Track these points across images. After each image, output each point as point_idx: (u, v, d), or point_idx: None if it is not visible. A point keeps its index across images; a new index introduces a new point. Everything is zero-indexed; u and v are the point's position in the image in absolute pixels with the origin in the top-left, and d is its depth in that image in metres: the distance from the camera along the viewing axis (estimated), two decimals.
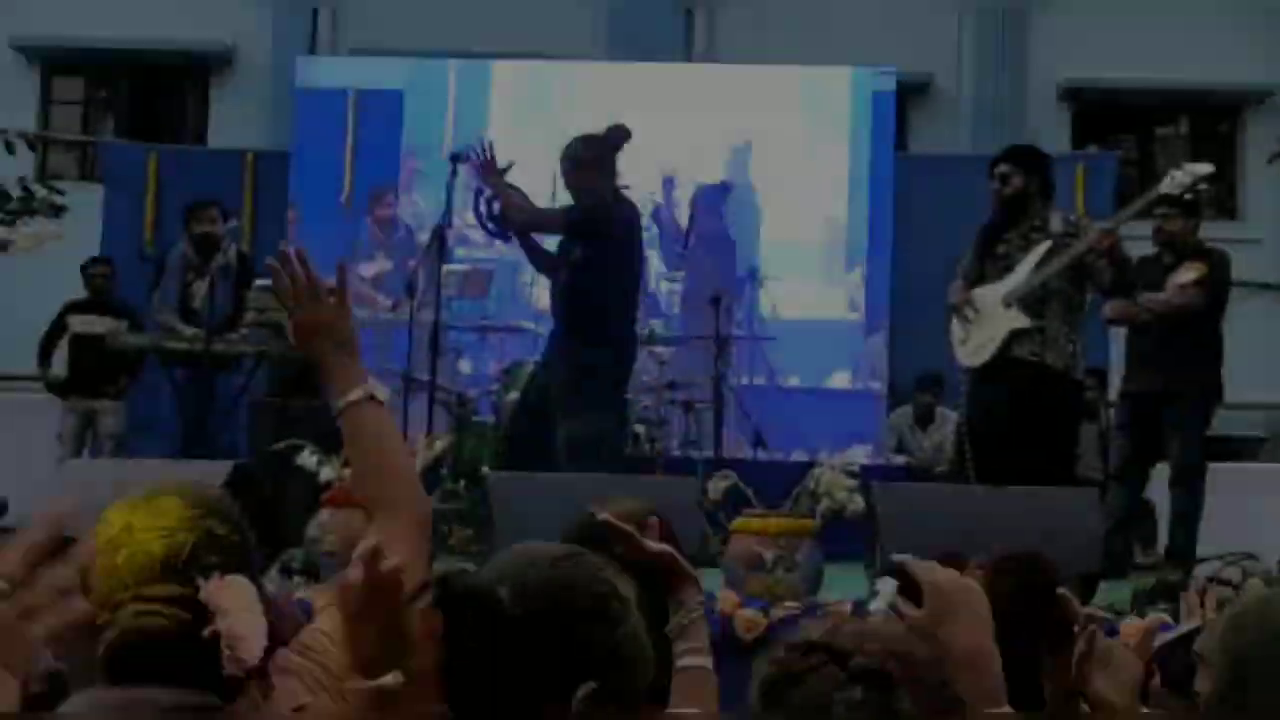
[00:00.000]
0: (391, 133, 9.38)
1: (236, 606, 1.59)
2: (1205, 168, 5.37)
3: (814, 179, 9.22)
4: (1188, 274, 5.96)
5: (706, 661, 2.01)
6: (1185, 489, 5.88)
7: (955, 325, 5.66)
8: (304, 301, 2.08)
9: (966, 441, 5.46)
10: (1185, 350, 5.93)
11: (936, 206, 8.24)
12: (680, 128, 9.21)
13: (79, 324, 8.20)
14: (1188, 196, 5.56)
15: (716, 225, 9.09)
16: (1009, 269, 5.55)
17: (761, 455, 7.83)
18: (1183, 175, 5.30)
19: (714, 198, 9.15)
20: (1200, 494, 5.88)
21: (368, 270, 9.20)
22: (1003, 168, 5.60)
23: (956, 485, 4.81)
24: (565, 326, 5.68)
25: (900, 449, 8.44)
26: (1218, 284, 6.02)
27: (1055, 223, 5.59)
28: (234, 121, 11.97)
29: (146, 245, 9.02)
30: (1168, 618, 3.27)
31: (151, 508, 1.68)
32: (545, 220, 5.87)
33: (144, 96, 12.54)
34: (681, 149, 9.15)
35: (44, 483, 7.77)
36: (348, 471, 4.71)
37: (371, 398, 2.07)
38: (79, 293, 8.37)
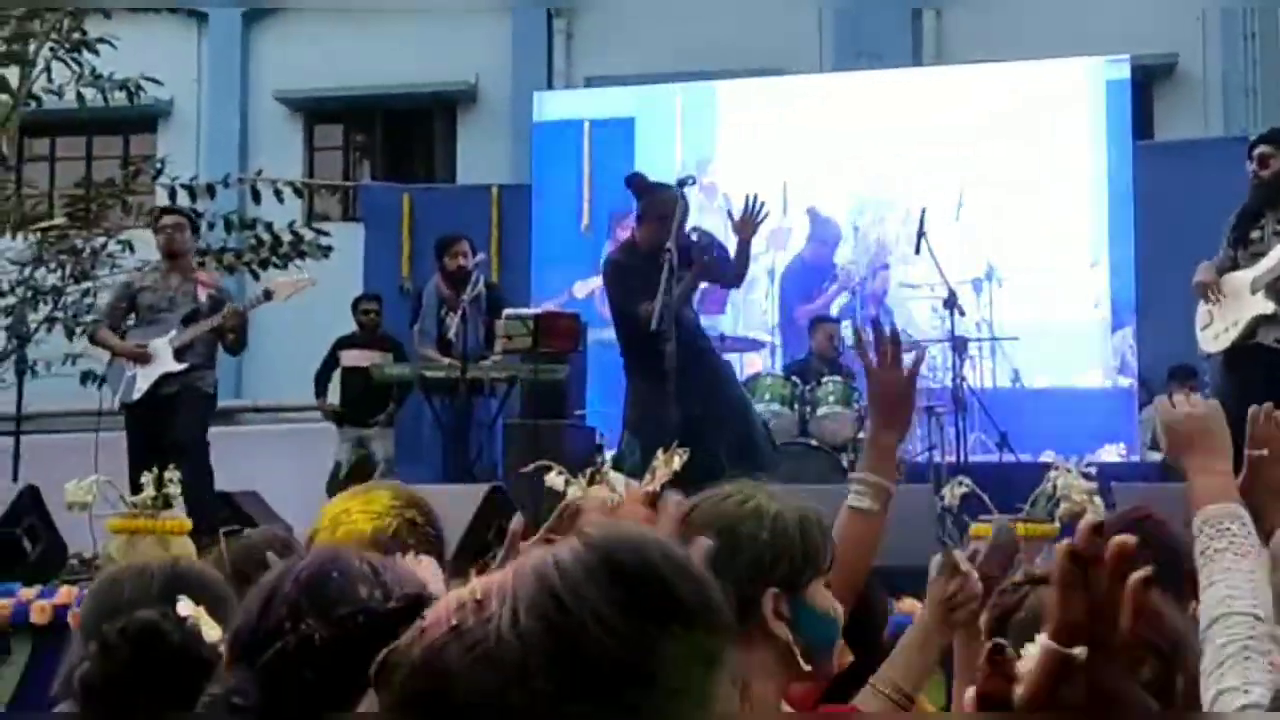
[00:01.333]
0: (626, 160, 9.67)
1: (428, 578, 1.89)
2: None
3: (1052, 175, 9.04)
4: None
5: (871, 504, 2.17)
6: None
7: (1200, 310, 5.55)
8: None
9: None
10: None
11: (1182, 194, 7.99)
12: (912, 133, 9.22)
13: (350, 358, 8.81)
14: None
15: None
16: (1260, 254, 5.40)
17: (1007, 458, 7.74)
18: None
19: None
20: None
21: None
22: (1262, 149, 5.46)
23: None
24: None
25: (1156, 445, 8.19)
26: None
27: None
28: (480, 157, 12.56)
29: (404, 280, 9.58)
30: None
31: (366, 497, 2.10)
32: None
33: (397, 138, 13.29)
34: (912, 154, 9.15)
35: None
36: (593, 490, 4.95)
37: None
38: (348, 327, 8.98)
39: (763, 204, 5.77)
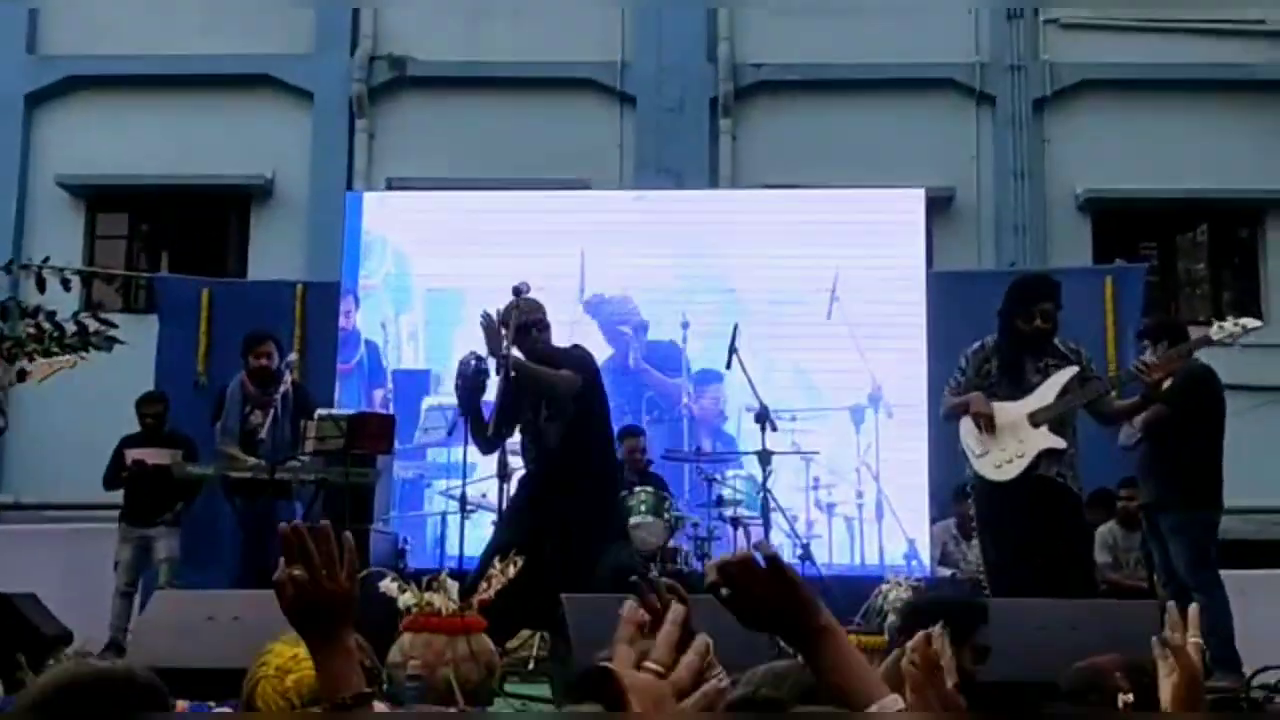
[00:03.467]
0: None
1: None
2: (1255, 322, 5.75)
3: (848, 298, 9.39)
4: None
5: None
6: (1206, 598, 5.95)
7: (970, 437, 5.77)
8: (323, 575, 1.89)
9: (984, 557, 5.62)
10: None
11: (962, 322, 8.38)
12: (701, 256, 9.47)
13: (137, 456, 8.39)
14: (1228, 342, 5.75)
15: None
16: (1028, 390, 5.72)
17: (809, 569, 7.91)
18: (1233, 326, 5.58)
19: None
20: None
21: None
22: (1048, 305, 5.77)
23: (1022, 599, 4.92)
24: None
25: (945, 561, 8.52)
26: None
27: (1062, 348, 5.80)
28: (274, 254, 12.30)
29: (199, 376, 9.22)
30: None
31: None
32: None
33: (187, 230, 12.88)
34: (707, 275, 9.42)
35: (104, 611, 7.94)
36: (426, 596, 4.85)
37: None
38: (129, 422, 8.56)
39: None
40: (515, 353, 5.94)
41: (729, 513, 7.71)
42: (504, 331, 5.89)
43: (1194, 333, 6.14)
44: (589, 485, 5.99)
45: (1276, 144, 12.31)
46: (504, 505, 6.08)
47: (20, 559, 8.57)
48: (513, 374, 5.81)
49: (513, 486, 6.19)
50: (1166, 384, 5.92)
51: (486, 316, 5.91)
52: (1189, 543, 5.91)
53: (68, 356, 6.57)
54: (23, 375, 6.28)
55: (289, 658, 2.09)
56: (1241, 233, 12.75)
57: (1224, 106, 12.32)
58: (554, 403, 5.95)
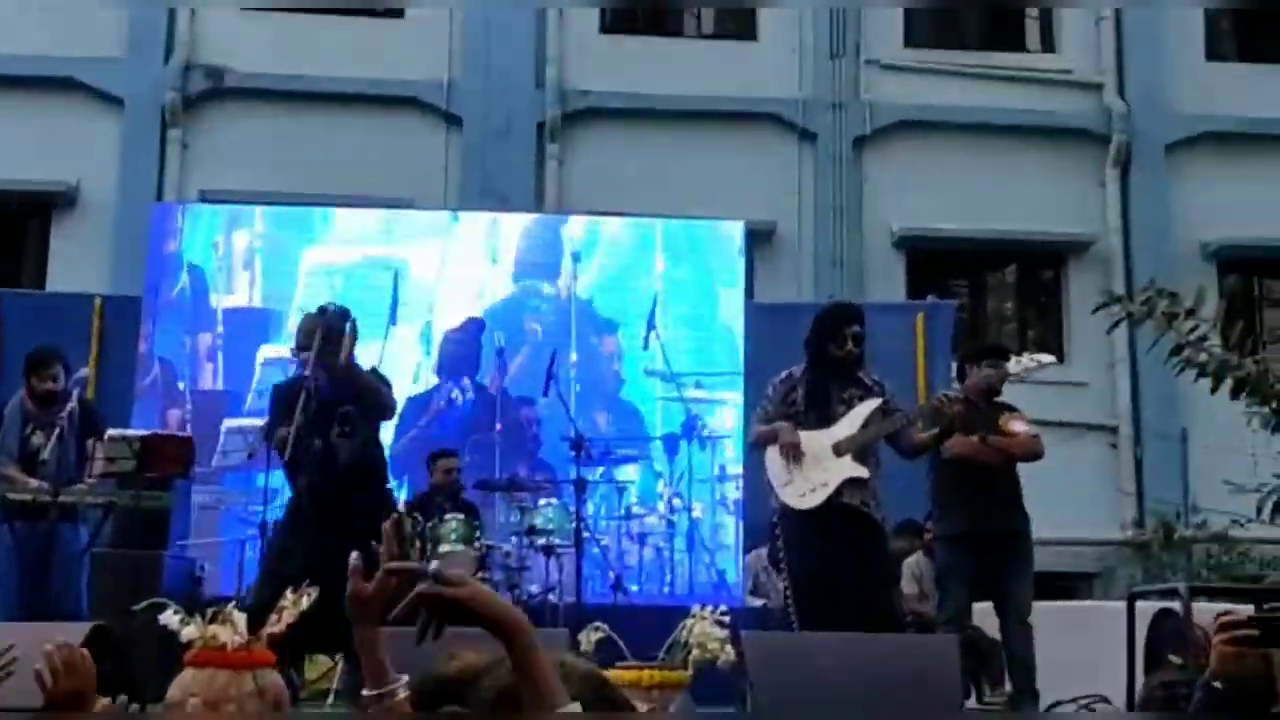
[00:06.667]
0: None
1: None
2: (1049, 358, 6.02)
3: (674, 325, 9.42)
4: (1021, 423, 6.27)
5: None
6: (1027, 628, 6.08)
7: (776, 466, 5.79)
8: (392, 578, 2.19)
9: (789, 587, 5.63)
10: (1017, 492, 6.24)
11: (782, 353, 8.44)
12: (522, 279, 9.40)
13: None
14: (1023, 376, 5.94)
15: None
16: (832, 419, 5.77)
17: (621, 600, 7.85)
18: (1029, 361, 5.89)
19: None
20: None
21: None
22: (856, 329, 5.83)
23: (825, 633, 4.91)
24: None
25: (756, 591, 8.54)
26: None
27: (866, 380, 5.88)
28: (76, 265, 11.74)
29: None
30: None
31: None
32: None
33: None
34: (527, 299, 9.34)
35: None
36: (211, 629, 4.59)
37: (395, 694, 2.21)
38: None
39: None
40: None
41: (541, 541, 7.58)
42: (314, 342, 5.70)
43: None
44: (375, 505, 5.89)
45: (1081, 189, 12.83)
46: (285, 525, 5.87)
47: None
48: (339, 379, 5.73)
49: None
50: (1023, 421, 6.15)
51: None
52: (1031, 574, 6.14)
53: None
54: None
55: None
56: (1046, 274, 13.22)
57: (1033, 151, 12.77)
58: (348, 420, 5.78)
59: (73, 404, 6.90)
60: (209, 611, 4.67)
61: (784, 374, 5.94)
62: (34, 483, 6.64)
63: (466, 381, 9.23)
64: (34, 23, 11.92)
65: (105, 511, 6.68)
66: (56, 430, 6.45)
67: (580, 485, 7.51)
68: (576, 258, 9.62)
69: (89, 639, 4.37)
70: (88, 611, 6.45)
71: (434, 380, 9.30)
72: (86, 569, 6.95)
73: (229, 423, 8.71)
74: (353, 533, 5.50)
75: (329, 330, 5.77)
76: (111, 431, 6.54)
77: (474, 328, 9.35)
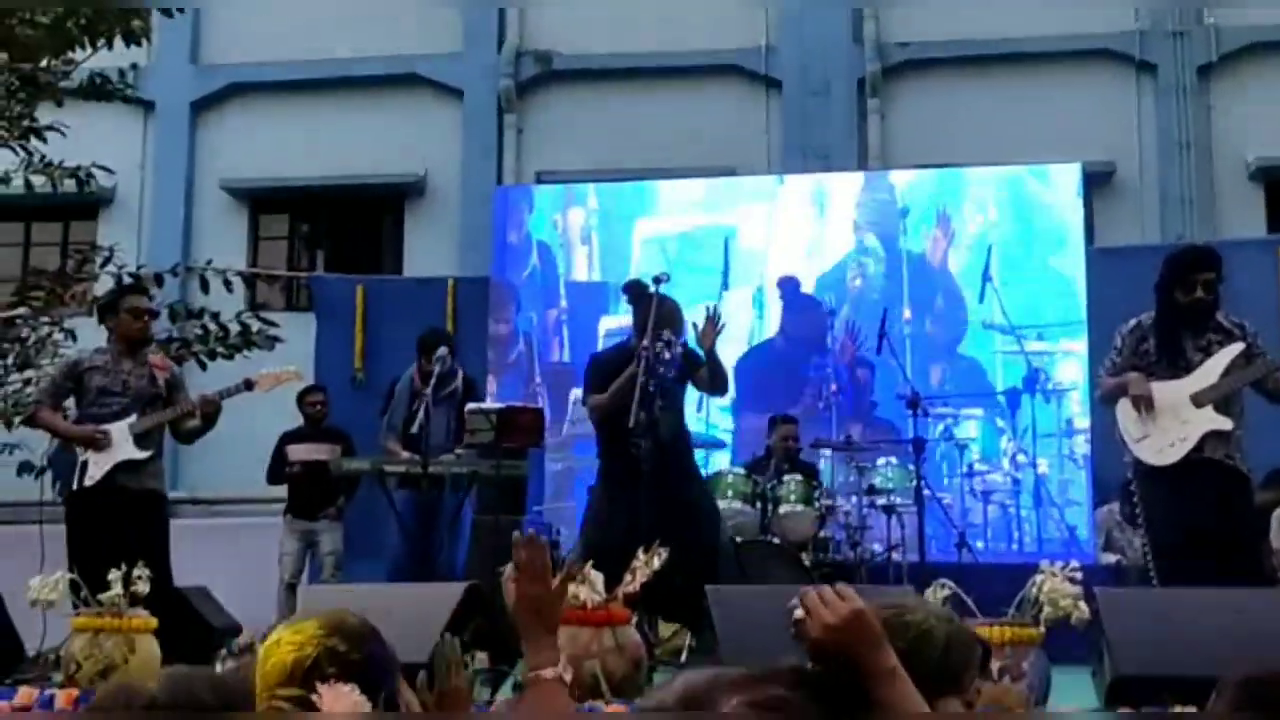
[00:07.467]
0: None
1: (336, 707, 1.99)
2: None
3: (1011, 276, 9.17)
4: None
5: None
6: None
7: (1129, 421, 5.52)
8: (531, 580, 2.34)
9: (1148, 545, 5.38)
10: None
11: (1127, 299, 8.09)
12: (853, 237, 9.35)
13: (297, 452, 8.65)
14: None
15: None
16: (1189, 369, 5.45)
17: (966, 558, 7.74)
18: None
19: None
20: None
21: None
22: (1209, 274, 5.49)
23: (1186, 589, 4.70)
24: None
25: (1109, 547, 8.24)
26: None
27: (1225, 323, 5.51)
28: (428, 250, 12.53)
29: (356, 372, 9.45)
30: None
31: (295, 626, 2.13)
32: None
33: (344, 229, 13.22)
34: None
35: (271, 603, 8.19)
36: (571, 589, 4.86)
37: (560, 679, 2.28)
38: (288, 418, 8.80)
39: (719, 313, 5.96)
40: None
41: (881, 500, 7.57)
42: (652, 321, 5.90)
43: None
44: (695, 474, 6.22)
45: None
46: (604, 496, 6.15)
47: (194, 552, 8.86)
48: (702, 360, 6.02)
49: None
50: None
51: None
52: None
53: (292, 368, 6.77)
54: (250, 385, 6.45)
55: (273, 640, 2.12)
56: None
57: None
58: (668, 394, 5.95)
59: (457, 382, 7.43)
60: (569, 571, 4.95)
61: (1133, 322, 5.66)
62: (405, 454, 7.17)
63: (801, 342, 9.29)
64: (379, 26, 12.75)
65: (470, 480, 7.13)
66: (424, 406, 6.93)
67: (919, 445, 7.43)
68: (904, 213, 9.49)
69: (464, 599, 4.72)
70: (461, 572, 6.93)
71: (769, 339, 9.43)
72: (462, 534, 7.47)
73: (577, 392, 9.12)
74: (675, 504, 5.74)
75: (662, 304, 5.95)
76: (470, 406, 6.97)
77: (802, 289, 9.39)
